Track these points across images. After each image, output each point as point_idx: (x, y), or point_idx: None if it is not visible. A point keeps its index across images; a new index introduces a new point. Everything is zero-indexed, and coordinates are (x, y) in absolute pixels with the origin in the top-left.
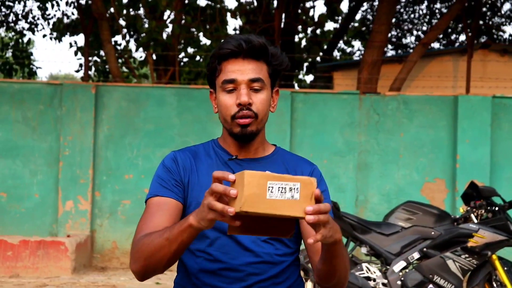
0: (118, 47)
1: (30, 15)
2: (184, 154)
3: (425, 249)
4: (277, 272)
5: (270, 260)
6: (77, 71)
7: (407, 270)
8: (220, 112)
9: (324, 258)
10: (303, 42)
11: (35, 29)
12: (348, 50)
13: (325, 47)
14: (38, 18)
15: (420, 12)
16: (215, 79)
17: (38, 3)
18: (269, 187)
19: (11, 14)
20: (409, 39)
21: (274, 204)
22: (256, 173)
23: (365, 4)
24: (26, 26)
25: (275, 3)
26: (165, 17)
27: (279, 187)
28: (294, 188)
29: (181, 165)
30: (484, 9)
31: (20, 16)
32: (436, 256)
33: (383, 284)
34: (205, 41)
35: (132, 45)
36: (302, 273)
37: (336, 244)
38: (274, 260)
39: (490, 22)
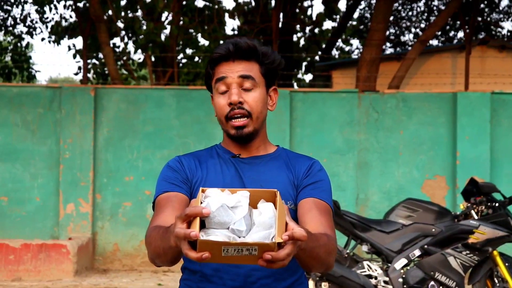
0: (117, 49)
1: (28, 19)
2: (187, 157)
3: (426, 246)
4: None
5: None
6: (76, 74)
7: (408, 268)
8: (216, 113)
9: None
10: (302, 41)
11: (34, 32)
12: (347, 48)
13: (324, 46)
14: (36, 22)
15: (418, 9)
16: (212, 84)
17: (36, 7)
18: (223, 249)
19: (10, 18)
20: (407, 37)
21: (231, 258)
22: (209, 242)
23: (362, 2)
24: (25, 29)
25: (273, 3)
26: (163, 18)
27: (234, 249)
28: (251, 249)
29: (186, 165)
30: (482, 5)
31: (18, 20)
32: (437, 253)
33: (385, 282)
34: (203, 42)
35: (131, 47)
36: None
37: (302, 252)
38: None
39: (488, 18)
